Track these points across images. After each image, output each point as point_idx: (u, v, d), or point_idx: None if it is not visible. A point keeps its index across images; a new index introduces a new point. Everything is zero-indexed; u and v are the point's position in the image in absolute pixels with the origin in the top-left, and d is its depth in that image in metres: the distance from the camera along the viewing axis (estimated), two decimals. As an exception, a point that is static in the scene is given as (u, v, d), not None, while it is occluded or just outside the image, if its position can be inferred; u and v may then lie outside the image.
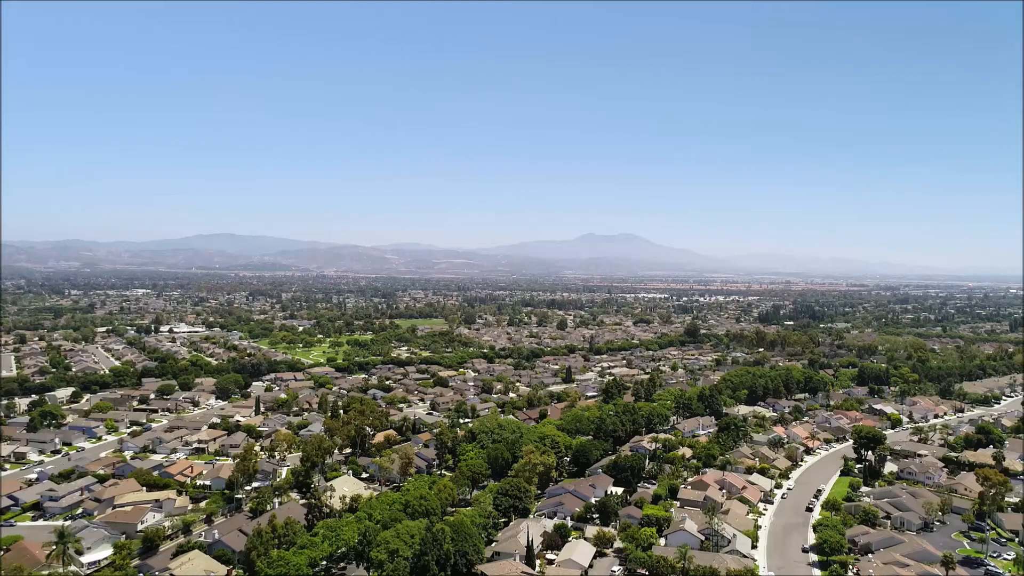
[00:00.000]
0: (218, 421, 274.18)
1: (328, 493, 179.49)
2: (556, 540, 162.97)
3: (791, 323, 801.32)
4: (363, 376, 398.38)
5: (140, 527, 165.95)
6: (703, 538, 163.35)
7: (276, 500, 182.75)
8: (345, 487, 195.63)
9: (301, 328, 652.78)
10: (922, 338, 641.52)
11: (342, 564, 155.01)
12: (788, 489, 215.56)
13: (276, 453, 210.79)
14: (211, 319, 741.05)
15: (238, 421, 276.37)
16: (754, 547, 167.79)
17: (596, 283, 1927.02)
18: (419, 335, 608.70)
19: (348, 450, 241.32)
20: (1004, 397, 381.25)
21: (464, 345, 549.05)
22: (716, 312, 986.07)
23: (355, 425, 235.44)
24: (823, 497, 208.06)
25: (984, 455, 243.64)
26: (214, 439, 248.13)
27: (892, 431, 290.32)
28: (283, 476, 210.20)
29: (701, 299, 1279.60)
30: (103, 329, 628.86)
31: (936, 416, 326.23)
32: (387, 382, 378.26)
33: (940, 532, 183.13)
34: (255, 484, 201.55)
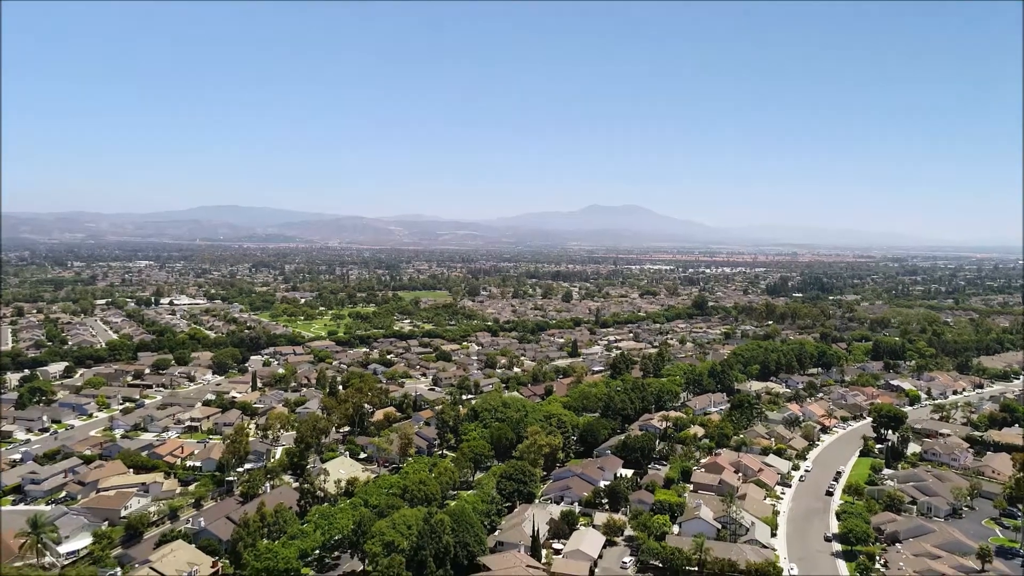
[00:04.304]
0: (213, 398, 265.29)
1: (323, 477, 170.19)
2: (563, 528, 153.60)
3: (799, 295, 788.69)
4: (364, 350, 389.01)
5: (124, 513, 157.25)
6: (719, 526, 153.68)
7: (268, 484, 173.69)
8: (341, 469, 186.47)
9: (303, 300, 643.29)
10: (934, 311, 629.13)
11: (336, 553, 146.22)
12: (806, 471, 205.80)
13: (269, 433, 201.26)
14: (213, 291, 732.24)
15: (234, 397, 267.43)
16: (773, 535, 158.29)
17: (601, 255, 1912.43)
18: (422, 307, 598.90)
19: (346, 428, 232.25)
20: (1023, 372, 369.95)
21: (468, 318, 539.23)
22: (723, 284, 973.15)
23: (353, 403, 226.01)
24: (843, 480, 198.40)
25: (1010, 435, 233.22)
26: (208, 417, 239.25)
27: (910, 408, 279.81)
28: (277, 457, 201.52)
29: (707, 271, 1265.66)
30: (103, 301, 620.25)
31: (955, 392, 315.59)
32: (388, 356, 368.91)
33: (970, 519, 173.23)
34: (248, 466, 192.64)
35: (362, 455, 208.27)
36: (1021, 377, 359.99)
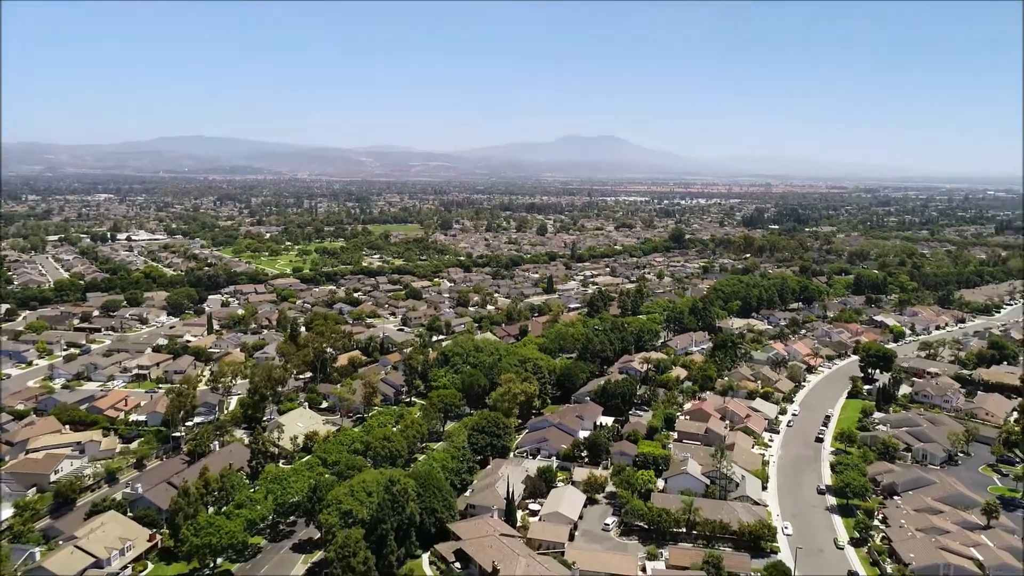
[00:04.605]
0: (165, 342, 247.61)
1: (277, 432, 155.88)
2: (540, 486, 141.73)
3: (776, 227, 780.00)
4: (330, 288, 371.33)
5: (54, 478, 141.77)
6: (708, 482, 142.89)
7: (218, 441, 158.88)
8: (300, 422, 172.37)
9: (268, 235, 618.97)
10: (911, 243, 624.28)
11: (292, 517, 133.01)
12: (793, 415, 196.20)
13: (220, 384, 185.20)
14: (174, 226, 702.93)
15: (187, 342, 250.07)
16: (764, 488, 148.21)
17: (576, 186, 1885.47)
18: (392, 242, 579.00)
19: (308, 374, 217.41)
20: (1004, 305, 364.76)
21: (440, 253, 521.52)
22: (699, 216, 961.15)
23: (314, 348, 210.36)
24: (832, 424, 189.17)
25: (999, 373, 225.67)
26: (157, 364, 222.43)
27: (895, 345, 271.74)
28: (232, 408, 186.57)
29: (683, 202, 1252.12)
30: (55, 238, 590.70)
31: (938, 327, 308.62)
32: (356, 295, 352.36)
33: (966, 465, 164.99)
34: (198, 419, 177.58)
35: (324, 404, 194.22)
36: (1003, 310, 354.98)
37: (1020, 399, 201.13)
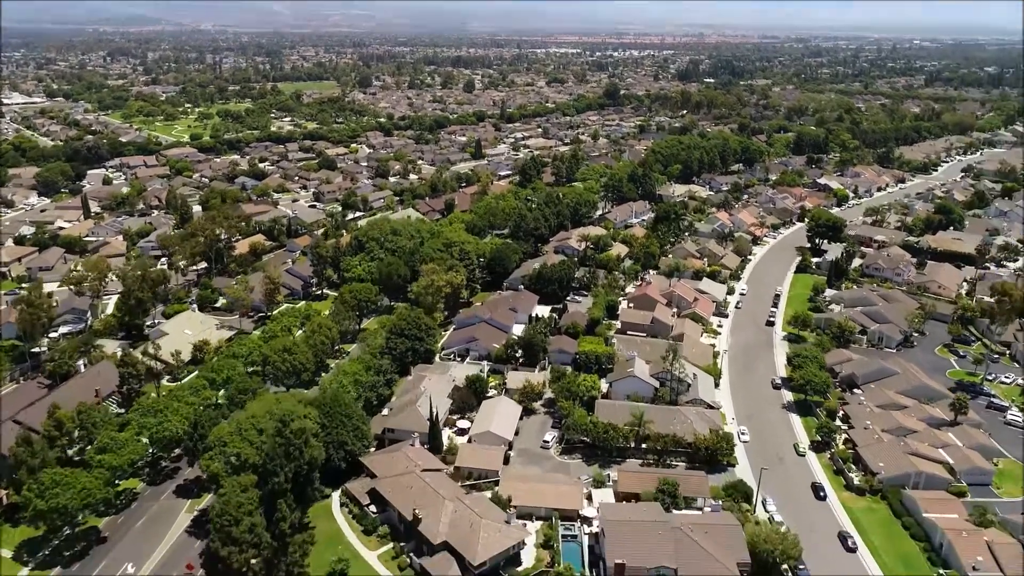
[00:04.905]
0: (31, 231, 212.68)
1: (152, 347, 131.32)
2: (469, 400, 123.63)
3: (711, 80, 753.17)
4: (233, 158, 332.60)
5: None
6: (657, 384, 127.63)
7: (83, 361, 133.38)
8: (188, 328, 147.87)
9: (164, 96, 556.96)
10: (845, 95, 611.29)
11: (177, 451, 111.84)
12: (742, 294, 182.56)
13: (86, 288, 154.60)
14: (55, 86, 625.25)
15: (59, 229, 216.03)
16: (717, 386, 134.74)
17: (504, 38, 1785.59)
18: (305, 103, 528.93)
19: (204, 265, 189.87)
20: (941, 163, 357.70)
21: (358, 114, 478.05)
22: (632, 69, 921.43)
23: (207, 237, 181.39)
24: (783, 304, 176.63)
25: (946, 240, 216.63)
26: (19, 259, 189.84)
27: (839, 210, 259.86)
28: (108, 312, 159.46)
29: (615, 54, 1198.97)
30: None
31: (879, 189, 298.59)
32: (262, 165, 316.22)
33: (922, 346, 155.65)
34: (64, 329, 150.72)
35: (220, 302, 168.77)
36: (940, 168, 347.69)
37: (971, 268, 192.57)
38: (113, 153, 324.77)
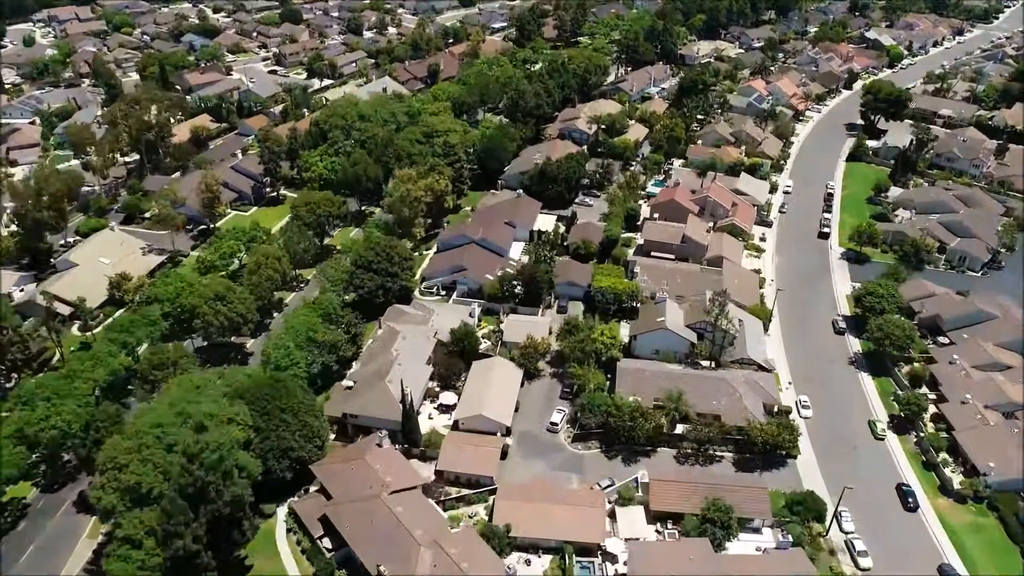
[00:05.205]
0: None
1: (45, 295, 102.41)
2: (456, 366, 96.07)
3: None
4: (181, 8, 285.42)
5: None
6: (694, 338, 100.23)
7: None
8: (105, 257, 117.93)
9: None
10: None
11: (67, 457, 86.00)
12: (786, 192, 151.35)
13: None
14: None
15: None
16: (766, 331, 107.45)
17: None
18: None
19: (136, 157, 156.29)
20: (1004, 8, 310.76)
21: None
22: None
23: (135, 126, 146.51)
24: (836, 205, 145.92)
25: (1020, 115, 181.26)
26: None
27: (892, 73, 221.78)
28: (6, 233, 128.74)
29: None
30: None
31: (936, 44, 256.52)
32: (215, 18, 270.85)
33: (1011, 267, 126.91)
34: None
35: (152, 212, 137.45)
36: (1002, 16, 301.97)
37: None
38: (41, 3, 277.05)
